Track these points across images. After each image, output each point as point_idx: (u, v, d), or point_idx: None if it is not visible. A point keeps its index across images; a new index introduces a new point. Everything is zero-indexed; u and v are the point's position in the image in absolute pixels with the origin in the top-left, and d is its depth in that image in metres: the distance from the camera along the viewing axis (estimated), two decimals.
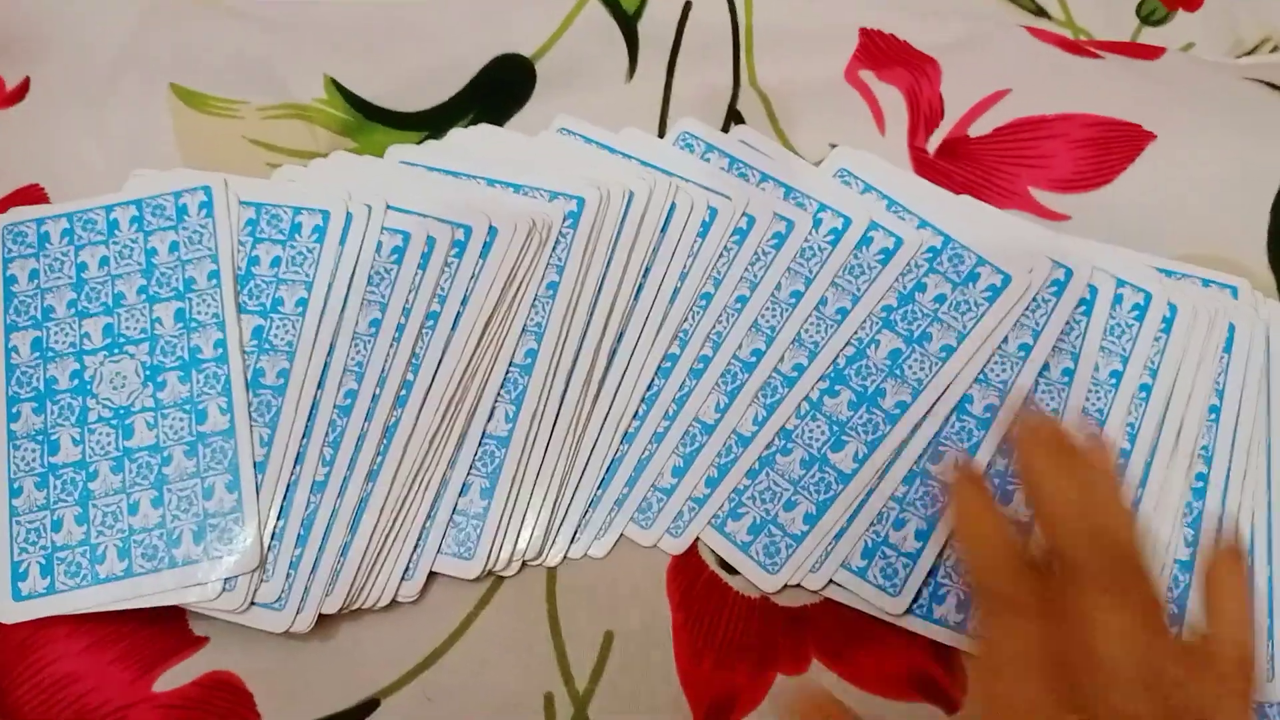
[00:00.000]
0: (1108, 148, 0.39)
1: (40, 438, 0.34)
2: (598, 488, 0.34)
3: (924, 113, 0.40)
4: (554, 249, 0.36)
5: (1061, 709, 0.23)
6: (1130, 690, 0.23)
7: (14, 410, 0.34)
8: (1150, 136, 0.39)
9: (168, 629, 0.32)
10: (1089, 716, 0.23)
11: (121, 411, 0.34)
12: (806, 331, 0.35)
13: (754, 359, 0.35)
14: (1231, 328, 0.35)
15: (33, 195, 0.38)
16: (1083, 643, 0.23)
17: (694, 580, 0.33)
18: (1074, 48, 0.42)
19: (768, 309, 0.35)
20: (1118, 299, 0.35)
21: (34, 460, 0.33)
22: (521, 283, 0.35)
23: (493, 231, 0.35)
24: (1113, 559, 0.24)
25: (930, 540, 0.33)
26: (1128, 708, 0.23)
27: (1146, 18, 0.46)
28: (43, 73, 0.40)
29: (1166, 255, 0.37)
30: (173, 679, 0.32)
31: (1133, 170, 0.38)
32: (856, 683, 0.32)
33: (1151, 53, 0.42)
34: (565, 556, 0.33)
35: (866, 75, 0.41)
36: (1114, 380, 0.34)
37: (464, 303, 0.35)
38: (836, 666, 0.32)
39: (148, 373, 0.34)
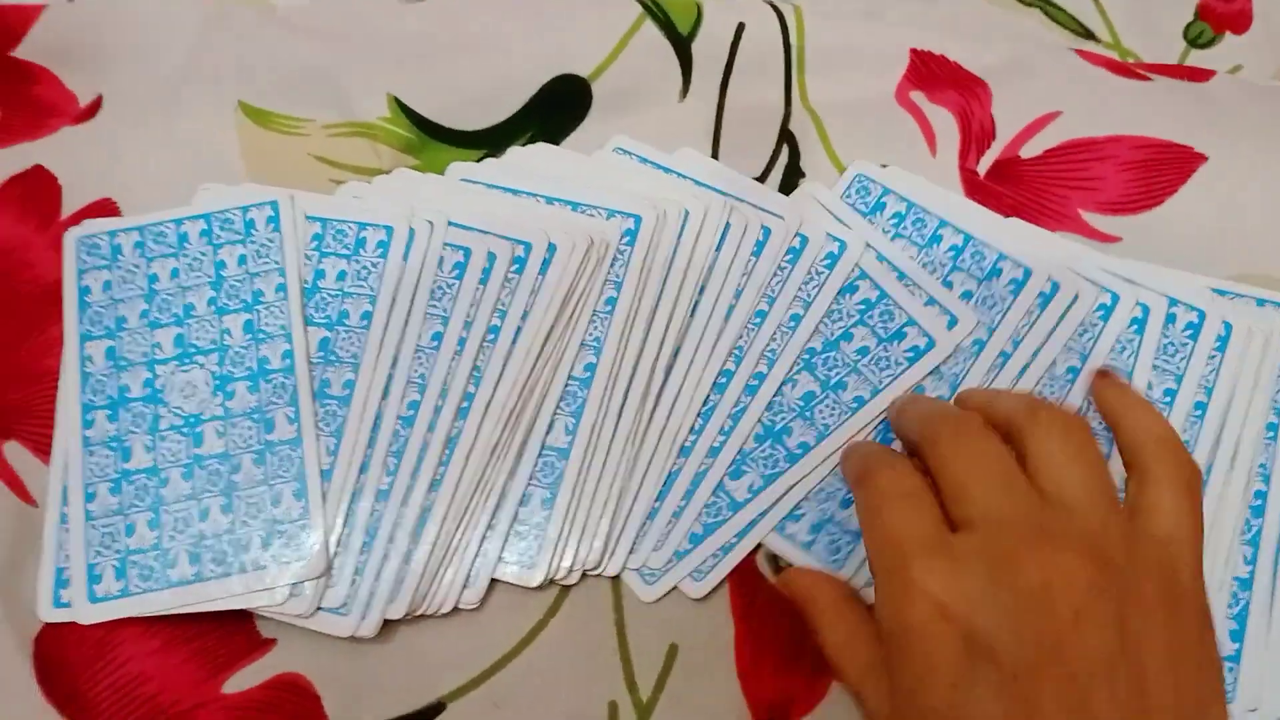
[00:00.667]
0: (1158, 170, 0.39)
1: (114, 444, 0.35)
2: (655, 500, 0.34)
3: (975, 134, 0.40)
4: (612, 265, 0.36)
5: (939, 525, 0.26)
6: (993, 490, 0.26)
7: (89, 417, 0.35)
8: (1201, 158, 0.39)
9: (237, 631, 0.33)
10: (962, 520, 0.26)
11: (192, 420, 0.35)
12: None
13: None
14: None
15: (105, 209, 0.39)
16: (946, 470, 0.27)
17: (755, 592, 0.33)
18: (1123, 70, 0.42)
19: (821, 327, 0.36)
20: (1170, 318, 0.36)
21: (108, 466, 0.34)
22: (580, 298, 0.36)
23: (552, 248, 0.36)
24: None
25: None
26: (994, 505, 0.26)
27: (1194, 40, 0.46)
28: (114, 89, 0.41)
29: (1219, 276, 0.37)
30: (242, 681, 0.32)
31: (1184, 192, 0.39)
32: None
33: (1201, 75, 0.43)
34: (624, 566, 0.33)
35: (917, 96, 0.41)
36: (1168, 399, 0.35)
37: (524, 317, 0.36)
38: None
39: (217, 382, 0.35)
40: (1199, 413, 0.34)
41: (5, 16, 0.42)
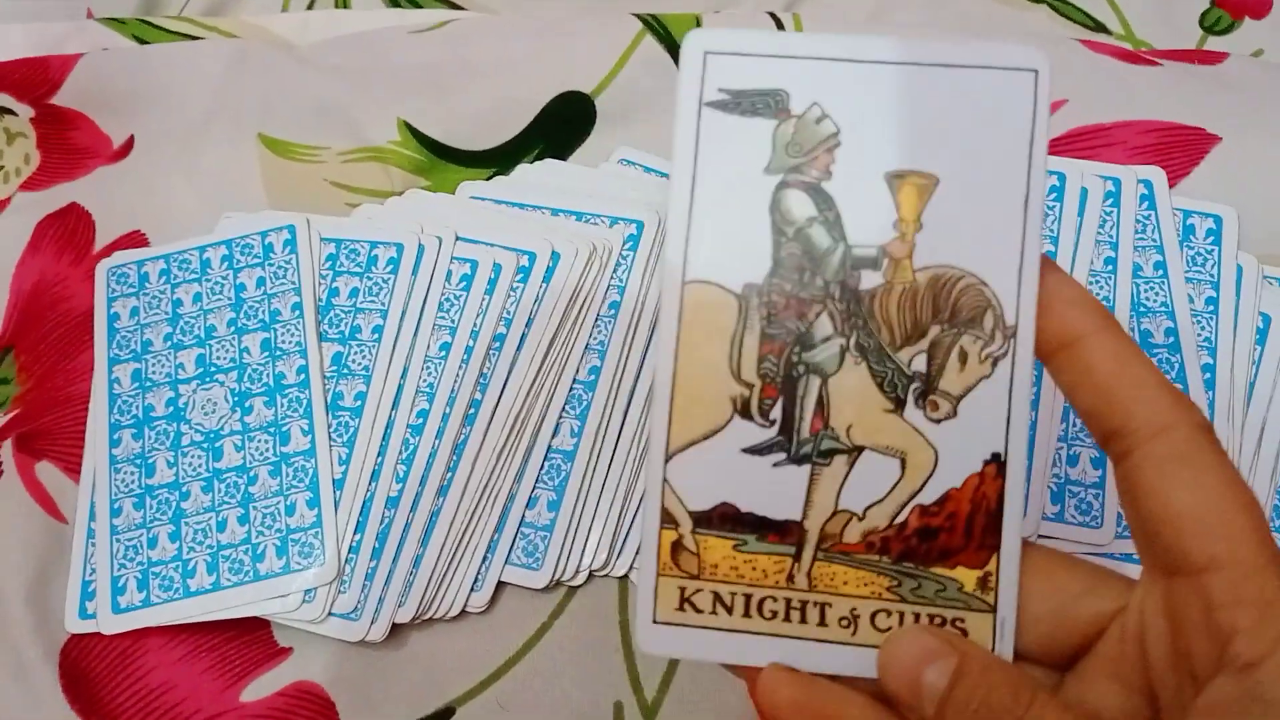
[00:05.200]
0: (1169, 153, 0.38)
1: (139, 461, 0.36)
2: None
3: None
4: (615, 271, 0.37)
5: None
6: None
7: (115, 436, 0.36)
8: (1214, 139, 0.38)
9: (254, 640, 0.34)
10: None
11: (212, 435, 0.36)
12: None
13: None
14: None
15: (134, 240, 0.41)
16: None
17: None
18: (1131, 57, 0.42)
19: None
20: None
21: (133, 482, 0.36)
22: (584, 304, 0.36)
23: (555, 256, 0.37)
24: None
25: None
26: None
27: (1211, 27, 0.46)
28: (145, 129, 0.43)
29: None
30: (259, 689, 0.33)
31: (1197, 173, 0.38)
32: None
33: (1213, 58, 0.42)
34: (631, 566, 0.33)
35: None
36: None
37: (528, 324, 0.36)
38: None
39: (236, 399, 0.36)
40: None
41: (47, 67, 0.44)
